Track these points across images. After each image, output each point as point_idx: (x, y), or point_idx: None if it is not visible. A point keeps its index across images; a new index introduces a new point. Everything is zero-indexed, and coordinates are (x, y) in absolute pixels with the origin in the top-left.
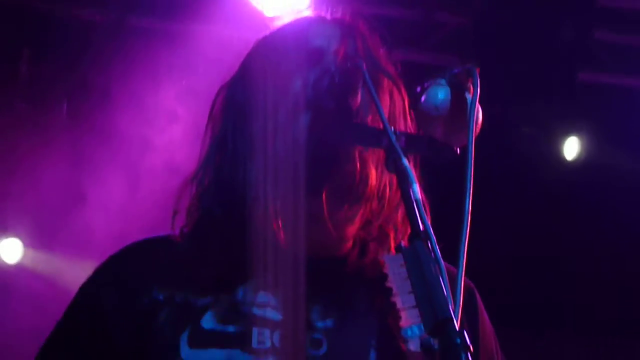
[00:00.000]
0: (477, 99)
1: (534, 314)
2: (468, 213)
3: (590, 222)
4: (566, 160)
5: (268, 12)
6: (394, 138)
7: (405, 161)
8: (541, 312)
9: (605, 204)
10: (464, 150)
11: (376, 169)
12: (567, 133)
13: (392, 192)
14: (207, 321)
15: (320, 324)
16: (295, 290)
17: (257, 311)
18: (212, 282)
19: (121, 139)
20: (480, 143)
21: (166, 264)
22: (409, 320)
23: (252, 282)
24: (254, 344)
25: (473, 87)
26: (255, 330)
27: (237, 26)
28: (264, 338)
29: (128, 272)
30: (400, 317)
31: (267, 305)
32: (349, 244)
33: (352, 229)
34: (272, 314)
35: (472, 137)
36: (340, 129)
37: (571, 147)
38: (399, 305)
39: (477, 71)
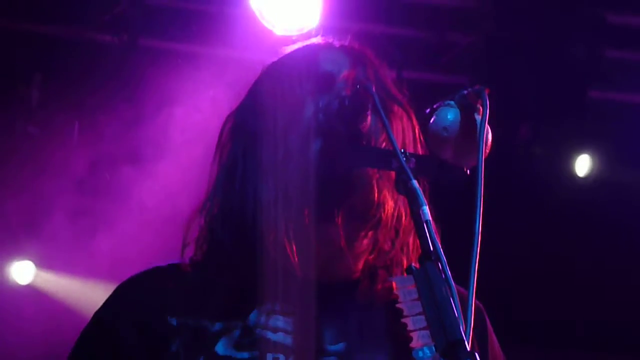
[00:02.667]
0: (487, 120)
1: (546, 331)
2: (478, 234)
3: (603, 239)
4: (578, 178)
5: (278, 32)
6: (403, 160)
7: (415, 183)
8: (553, 329)
9: (617, 221)
10: (474, 171)
11: (392, 196)
12: (579, 151)
13: (407, 220)
14: (222, 347)
15: (332, 348)
16: (307, 315)
17: (270, 336)
18: (224, 308)
19: (133, 162)
20: (492, 162)
21: (178, 292)
22: (420, 342)
23: (265, 307)
24: None
25: (482, 108)
26: (269, 356)
27: (248, 47)
28: None
29: (141, 300)
30: (411, 339)
31: (280, 330)
32: (360, 268)
33: (366, 255)
34: (285, 339)
35: (482, 158)
36: (350, 152)
37: (583, 165)
38: (409, 326)
39: (486, 92)
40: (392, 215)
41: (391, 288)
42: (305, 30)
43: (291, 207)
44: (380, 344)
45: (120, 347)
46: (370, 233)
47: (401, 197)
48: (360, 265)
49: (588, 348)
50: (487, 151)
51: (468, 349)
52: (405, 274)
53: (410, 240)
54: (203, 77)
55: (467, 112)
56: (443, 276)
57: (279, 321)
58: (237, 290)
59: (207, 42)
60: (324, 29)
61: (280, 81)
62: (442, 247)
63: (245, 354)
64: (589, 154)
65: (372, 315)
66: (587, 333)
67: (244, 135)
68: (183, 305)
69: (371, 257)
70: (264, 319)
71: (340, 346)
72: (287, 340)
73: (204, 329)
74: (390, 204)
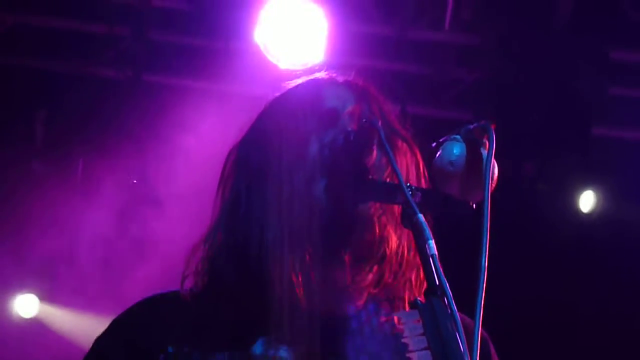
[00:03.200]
0: (493, 155)
1: None
2: (484, 268)
3: (606, 276)
4: (582, 214)
5: (283, 66)
6: (409, 194)
7: (421, 217)
8: None
9: (621, 258)
10: (480, 206)
11: (395, 231)
12: (583, 187)
13: (411, 254)
14: None
15: None
16: (312, 346)
17: None
18: (227, 339)
19: (136, 197)
20: (496, 198)
21: (180, 322)
22: None
23: (269, 338)
24: None
25: (488, 142)
26: None
27: (252, 81)
28: None
29: (141, 330)
30: None
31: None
32: (364, 301)
33: (370, 288)
34: None
35: (488, 193)
36: (356, 186)
37: (587, 201)
38: None
39: (492, 127)
40: (396, 250)
41: (394, 321)
42: (309, 65)
43: (296, 245)
44: None
45: None
46: (374, 268)
47: (405, 232)
48: (364, 298)
49: None
50: (493, 186)
51: None
52: (408, 308)
53: (414, 274)
54: (208, 112)
55: (473, 146)
56: (449, 311)
57: (284, 352)
58: (240, 322)
59: (212, 77)
60: (328, 64)
61: (284, 117)
62: (447, 282)
63: None
64: (593, 190)
65: (376, 348)
66: None
67: (247, 170)
68: (185, 335)
69: (375, 290)
70: (268, 350)
71: None
72: None
73: (206, 359)
74: (394, 239)
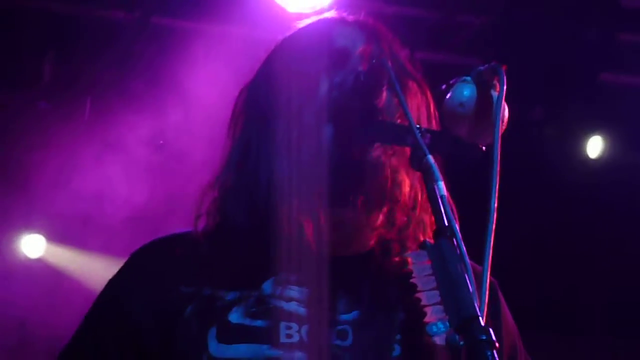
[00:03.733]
0: (503, 97)
1: (556, 314)
2: (494, 211)
3: (614, 220)
4: (589, 159)
5: (291, 8)
6: (419, 135)
7: (431, 158)
8: (564, 313)
9: (628, 202)
10: (490, 148)
11: (408, 174)
12: (591, 133)
13: (424, 196)
14: (235, 316)
15: (345, 317)
16: (321, 285)
17: (284, 305)
18: (237, 278)
19: (142, 138)
20: (503, 142)
21: (192, 260)
22: (434, 317)
23: (278, 277)
24: (282, 339)
25: (499, 85)
26: (282, 325)
27: (260, 24)
28: (292, 332)
29: (154, 268)
30: (425, 313)
31: (293, 300)
32: (375, 241)
33: (381, 229)
34: (299, 308)
35: (498, 135)
36: (365, 127)
37: (594, 147)
38: (424, 301)
39: (503, 69)
40: (409, 193)
41: (405, 262)
42: (317, 8)
43: (305, 187)
44: (393, 316)
45: (130, 316)
46: (386, 209)
47: (417, 174)
48: (375, 238)
49: (605, 332)
50: (504, 128)
51: (482, 324)
52: (419, 250)
53: (427, 216)
54: (216, 54)
55: (483, 88)
56: (458, 252)
57: (293, 291)
58: (250, 262)
59: (220, 20)
60: (336, 6)
61: (293, 57)
62: (457, 223)
63: (259, 322)
64: (600, 136)
65: (385, 287)
66: (600, 316)
67: (257, 111)
68: (197, 274)
69: (386, 231)
70: (278, 289)
71: (352, 315)
72: (301, 309)
73: (217, 297)
74: (407, 183)
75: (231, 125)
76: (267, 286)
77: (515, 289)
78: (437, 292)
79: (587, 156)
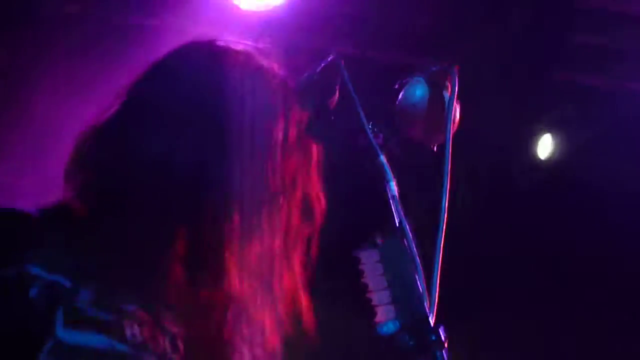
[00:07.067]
0: (455, 98)
1: (505, 315)
2: (445, 211)
3: (562, 220)
4: (539, 159)
5: (244, 6)
6: (371, 136)
7: (383, 158)
8: (510, 311)
9: (576, 202)
10: (441, 148)
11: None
12: (541, 132)
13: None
14: (83, 303)
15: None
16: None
17: (129, 307)
18: (85, 264)
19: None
20: (456, 142)
21: (40, 241)
22: (385, 317)
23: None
24: (128, 336)
25: (451, 85)
26: (126, 323)
27: (214, 21)
28: (134, 332)
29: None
30: (375, 313)
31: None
32: None
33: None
34: (140, 309)
35: (450, 135)
36: (318, 127)
37: (544, 146)
38: (374, 301)
39: (455, 70)
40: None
41: (355, 261)
42: (271, 6)
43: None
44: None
45: None
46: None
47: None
48: None
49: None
50: (455, 128)
51: (432, 324)
52: (370, 249)
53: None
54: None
55: (435, 89)
56: (408, 252)
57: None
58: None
59: (174, 17)
60: (288, 7)
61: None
62: (408, 223)
63: (103, 314)
64: (550, 135)
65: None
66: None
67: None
68: (44, 255)
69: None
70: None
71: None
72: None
73: (59, 284)
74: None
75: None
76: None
77: (461, 285)
78: (388, 293)
79: (537, 156)
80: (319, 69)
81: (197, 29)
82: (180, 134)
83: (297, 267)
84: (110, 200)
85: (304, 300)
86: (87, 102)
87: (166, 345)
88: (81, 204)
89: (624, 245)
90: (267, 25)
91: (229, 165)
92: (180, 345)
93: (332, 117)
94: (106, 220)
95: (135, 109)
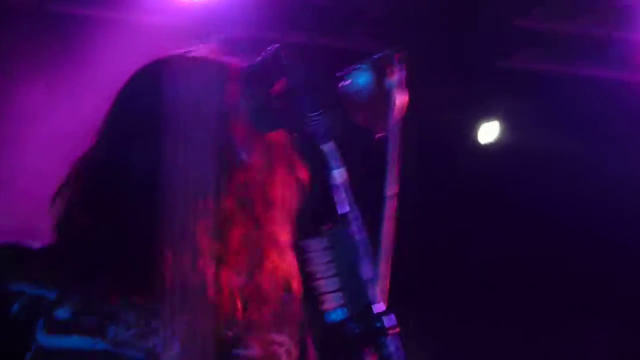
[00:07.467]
0: (398, 84)
1: (454, 301)
2: (390, 198)
3: (507, 205)
4: (483, 144)
5: None
6: (315, 123)
7: (327, 146)
8: (459, 297)
9: (521, 188)
10: (387, 134)
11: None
12: (486, 117)
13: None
14: (63, 313)
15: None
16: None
17: (113, 310)
18: (68, 278)
19: (40, 127)
20: (402, 127)
21: (24, 263)
22: (333, 304)
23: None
24: (110, 334)
25: (394, 72)
26: (110, 323)
27: (157, 12)
28: (118, 331)
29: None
30: (323, 301)
31: (124, 306)
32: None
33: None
34: (129, 315)
35: (394, 121)
36: (263, 115)
37: (489, 132)
38: (322, 288)
39: (397, 56)
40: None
41: (303, 250)
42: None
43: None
44: None
45: None
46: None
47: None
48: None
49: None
50: (400, 115)
51: (378, 311)
52: (318, 237)
53: (315, 206)
54: (112, 42)
55: (379, 76)
56: (355, 240)
57: (127, 302)
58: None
59: (117, 8)
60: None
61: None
62: (355, 211)
63: (85, 319)
64: (496, 120)
65: None
66: (495, 301)
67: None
68: (26, 273)
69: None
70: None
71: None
72: (132, 316)
73: (44, 296)
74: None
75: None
76: (96, 287)
77: (407, 272)
78: (335, 280)
79: (481, 141)
80: (260, 59)
81: (139, 19)
82: (142, 144)
83: (284, 245)
84: (95, 215)
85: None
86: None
87: (156, 342)
88: (67, 220)
89: (565, 229)
90: (212, 15)
91: (185, 158)
92: (174, 341)
93: (277, 107)
94: (91, 233)
95: (110, 132)
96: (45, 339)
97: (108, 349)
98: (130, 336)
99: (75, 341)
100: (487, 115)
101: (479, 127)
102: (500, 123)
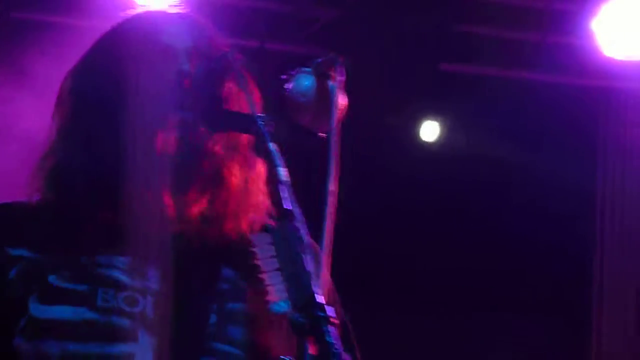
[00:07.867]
0: (339, 87)
1: (397, 294)
2: (331, 195)
3: (448, 205)
4: (425, 143)
5: (140, 1)
6: (262, 124)
7: (273, 145)
8: (403, 291)
9: (463, 189)
10: (328, 134)
11: (239, 162)
12: (427, 119)
13: (262, 183)
14: (56, 279)
15: (156, 286)
16: (143, 255)
17: (103, 272)
18: (62, 244)
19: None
20: (343, 130)
21: (19, 226)
22: (277, 296)
23: (105, 248)
24: (99, 302)
25: (335, 75)
26: (100, 290)
27: (111, 17)
28: (108, 297)
29: None
30: (268, 293)
31: (114, 267)
32: (197, 223)
33: (207, 210)
34: (119, 275)
35: (335, 122)
36: (211, 116)
37: (430, 131)
38: (267, 281)
39: (339, 60)
40: (239, 180)
41: (248, 244)
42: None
43: (150, 174)
44: (210, 288)
45: None
46: (210, 194)
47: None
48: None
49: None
50: (341, 116)
51: (320, 302)
52: (262, 232)
53: (266, 201)
54: (65, 49)
55: (322, 79)
56: (298, 234)
57: (114, 259)
58: (82, 230)
59: (72, 14)
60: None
61: (120, 52)
62: (298, 207)
63: (78, 286)
64: (437, 122)
65: (229, 273)
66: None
67: (86, 102)
68: (22, 237)
69: (210, 213)
70: (99, 256)
71: (167, 284)
72: (121, 277)
73: (40, 261)
74: (237, 170)
75: (57, 110)
76: (89, 252)
77: (349, 270)
78: (279, 273)
79: (423, 141)
80: (209, 62)
81: (95, 25)
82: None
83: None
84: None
85: None
86: None
87: (145, 304)
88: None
89: (504, 221)
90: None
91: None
92: (164, 303)
93: (224, 108)
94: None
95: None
96: (38, 310)
97: (97, 318)
98: (119, 301)
99: (64, 311)
100: (427, 116)
101: (419, 127)
102: (440, 124)
